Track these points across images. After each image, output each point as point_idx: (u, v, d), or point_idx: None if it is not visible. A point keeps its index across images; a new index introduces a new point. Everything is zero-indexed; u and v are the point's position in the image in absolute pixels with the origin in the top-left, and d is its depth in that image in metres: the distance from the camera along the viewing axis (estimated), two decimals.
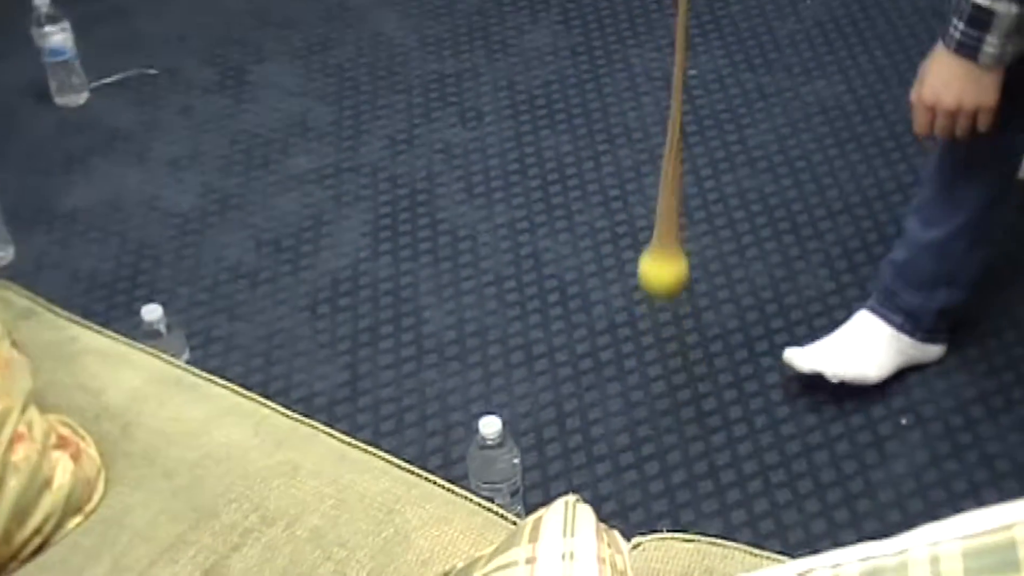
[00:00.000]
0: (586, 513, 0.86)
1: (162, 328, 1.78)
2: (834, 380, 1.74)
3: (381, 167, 2.27)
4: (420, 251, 2.10)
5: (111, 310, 1.99)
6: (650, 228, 2.11)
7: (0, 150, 2.31)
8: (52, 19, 2.34)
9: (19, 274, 1.94)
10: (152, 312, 1.77)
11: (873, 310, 1.77)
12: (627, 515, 1.68)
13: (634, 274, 2.02)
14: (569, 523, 0.82)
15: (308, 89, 2.45)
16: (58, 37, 2.35)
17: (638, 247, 2.07)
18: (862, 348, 1.75)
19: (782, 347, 1.89)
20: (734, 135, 2.26)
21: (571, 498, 0.87)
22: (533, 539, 0.81)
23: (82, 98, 2.41)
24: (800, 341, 1.89)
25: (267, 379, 1.89)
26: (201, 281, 2.06)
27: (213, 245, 2.13)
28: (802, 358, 1.76)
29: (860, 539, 1.03)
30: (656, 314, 1.96)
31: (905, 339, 1.75)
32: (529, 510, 1.65)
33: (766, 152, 2.23)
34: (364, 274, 2.06)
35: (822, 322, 1.92)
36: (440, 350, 1.93)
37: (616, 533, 0.90)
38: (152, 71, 2.50)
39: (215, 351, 1.94)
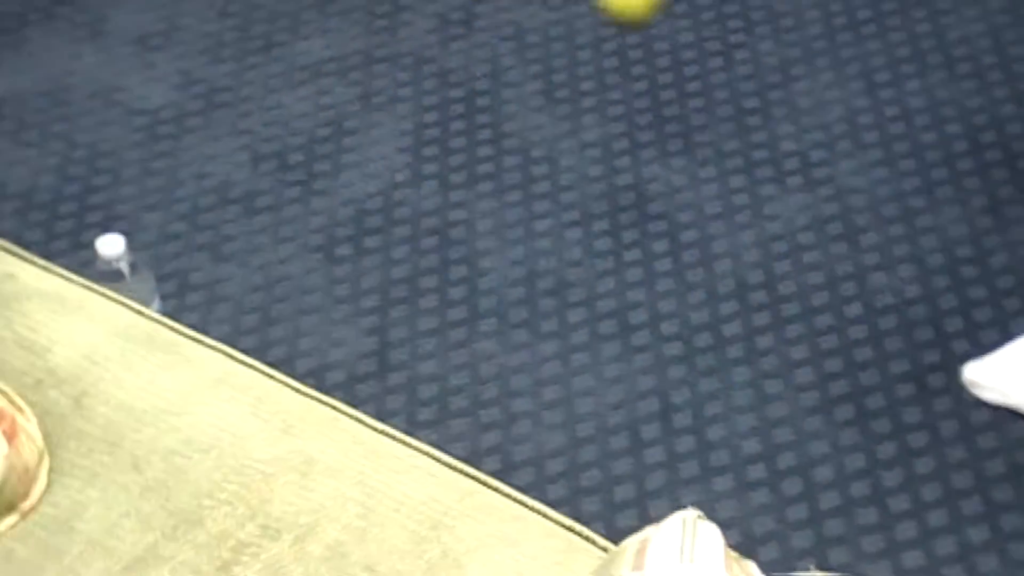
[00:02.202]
0: (711, 534, 0.88)
1: (124, 267, 1.82)
2: None
3: (427, 57, 2.29)
4: (478, 176, 2.12)
5: (52, 240, 2.04)
6: (800, 153, 2.11)
7: None
8: None
9: None
10: (112, 245, 1.81)
11: None
12: (755, 549, 1.70)
13: (775, 218, 2.03)
14: (688, 546, 0.84)
15: None
16: None
17: (782, 180, 2.08)
18: None
19: (984, 326, 1.89)
20: (926, 24, 2.25)
21: (690, 513, 0.89)
22: (638, 566, 0.83)
23: None
24: (1010, 320, 1.89)
25: (263, 344, 1.93)
26: (176, 206, 2.10)
27: (193, 157, 2.16)
28: (987, 375, 1.78)
29: None
30: (805, 274, 1.97)
31: None
32: (620, 535, 1.68)
33: (972, 49, 2.22)
34: (400, 205, 2.09)
35: None
36: (502, 313, 1.96)
37: (752, 564, 0.92)
38: None
39: (193, 302, 1.97)
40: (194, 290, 1.99)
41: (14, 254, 1.36)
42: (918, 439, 1.79)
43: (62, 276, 1.35)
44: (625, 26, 1.84)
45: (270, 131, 2.19)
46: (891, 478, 1.76)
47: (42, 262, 1.36)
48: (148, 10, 2.36)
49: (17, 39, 2.32)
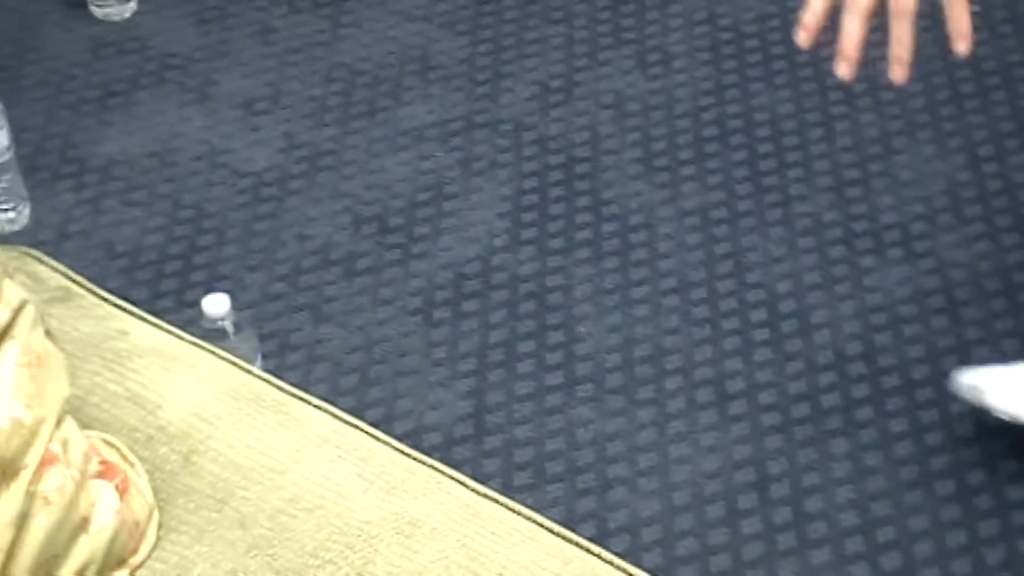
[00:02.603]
0: None
1: (228, 327, 1.84)
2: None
3: (527, 124, 2.30)
4: (576, 242, 2.13)
5: (157, 299, 2.06)
6: (901, 225, 2.10)
7: (17, 75, 2.41)
8: None
9: (36, 243, 2.03)
10: (217, 304, 1.83)
11: None
12: None
13: (874, 289, 2.02)
14: None
15: (432, 12, 2.49)
16: None
17: (882, 251, 2.07)
18: None
19: None
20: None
21: None
22: None
23: (128, 9, 2.51)
24: None
25: (361, 404, 1.94)
26: (278, 267, 2.12)
27: (296, 218, 2.18)
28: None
29: None
30: (905, 347, 1.95)
31: None
32: None
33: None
34: (499, 269, 2.10)
35: None
36: (599, 379, 1.95)
37: None
38: None
39: (294, 361, 1.99)
40: (294, 350, 2.01)
41: (127, 311, 1.38)
42: (1021, 516, 1.77)
43: (173, 334, 1.36)
44: None
45: (372, 194, 2.21)
46: (993, 555, 1.73)
47: (154, 320, 1.38)
48: (255, 75, 2.40)
49: (128, 102, 2.36)
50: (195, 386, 1.29)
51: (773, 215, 2.13)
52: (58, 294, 1.38)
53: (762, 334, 1.98)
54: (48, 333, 1.20)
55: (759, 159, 2.21)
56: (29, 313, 1.16)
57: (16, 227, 2.14)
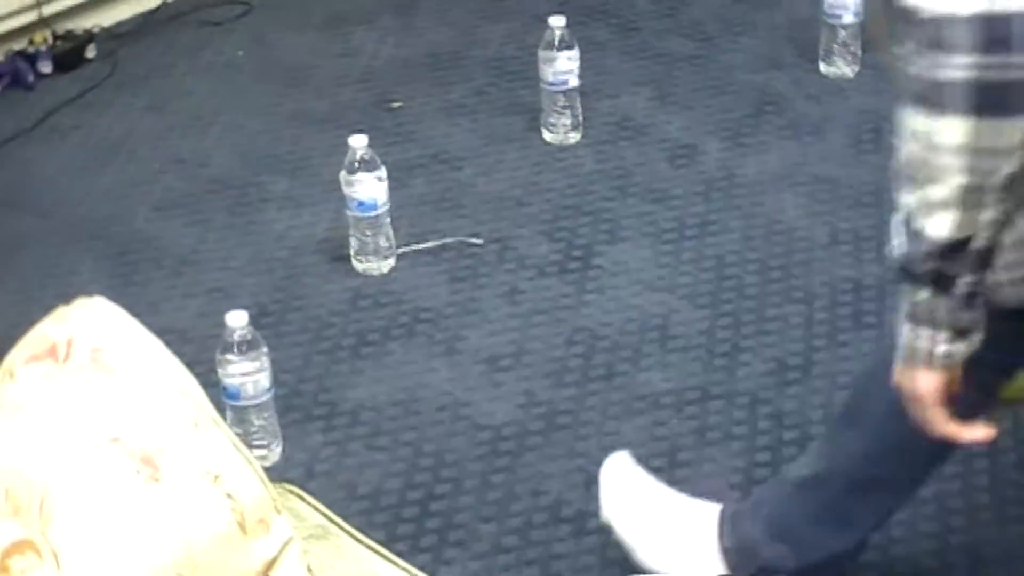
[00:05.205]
0: None
1: None
2: None
3: (763, 398, 2.32)
4: None
5: (393, 542, 2.11)
6: None
7: (280, 320, 2.53)
8: (368, 164, 2.58)
9: (284, 480, 2.10)
10: None
11: None
12: None
13: None
14: None
15: (674, 284, 2.55)
16: (371, 187, 2.58)
17: None
18: None
19: None
20: None
21: None
22: None
23: (387, 265, 2.62)
24: None
25: None
26: (510, 520, 2.15)
27: (531, 474, 2.22)
28: None
29: None
30: None
31: None
32: None
33: None
34: None
35: None
36: None
37: None
38: (476, 240, 2.68)
39: None
40: None
41: (378, 552, 1.42)
42: None
43: None
44: None
45: (605, 456, 2.23)
46: None
47: (403, 564, 1.42)
48: (500, 333, 2.47)
49: (380, 351, 2.45)
50: None
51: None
52: (316, 531, 1.43)
53: None
54: (309, 569, 1.26)
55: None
56: (295, 548, 1.22)
57: (267, 464, 2.23)
